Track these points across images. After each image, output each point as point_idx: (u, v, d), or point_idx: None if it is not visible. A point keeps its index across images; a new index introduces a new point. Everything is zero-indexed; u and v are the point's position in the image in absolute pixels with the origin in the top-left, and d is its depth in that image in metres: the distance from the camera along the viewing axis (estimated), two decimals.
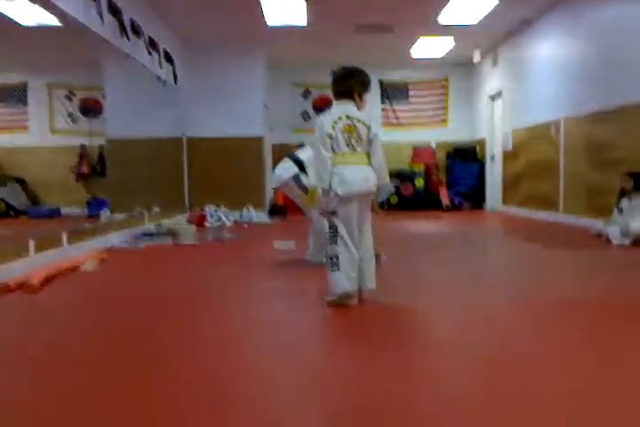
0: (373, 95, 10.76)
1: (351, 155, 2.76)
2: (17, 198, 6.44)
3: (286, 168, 4.03)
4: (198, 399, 1.62)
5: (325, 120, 2.78)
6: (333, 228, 2.76)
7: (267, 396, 1.65)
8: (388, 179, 2.92)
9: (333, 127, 2.75)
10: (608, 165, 5.97)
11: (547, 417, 1.47)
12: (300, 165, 3.94)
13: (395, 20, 7.73)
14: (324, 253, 3.62)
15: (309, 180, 3.81)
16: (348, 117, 2.78)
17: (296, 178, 3.94)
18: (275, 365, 1.92)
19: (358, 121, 2.79)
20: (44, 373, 1.90)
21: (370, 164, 2.80)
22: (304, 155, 4.01)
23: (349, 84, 2.86)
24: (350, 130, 2.76)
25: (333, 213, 2.76)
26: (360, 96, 2.88)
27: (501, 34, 8.66)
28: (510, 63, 8.88)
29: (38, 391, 1.72)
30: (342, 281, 2.73)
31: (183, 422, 1.49)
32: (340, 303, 2.75)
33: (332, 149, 2.75)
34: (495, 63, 9.50)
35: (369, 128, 2.80)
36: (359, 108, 2.87)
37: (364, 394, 1.64)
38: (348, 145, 2.76)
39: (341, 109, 2.84)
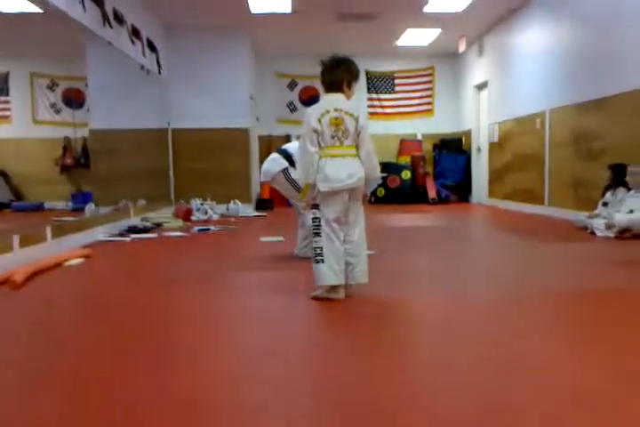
0: (359, 86, 10.72)
1: (336, 147, 2.75)
2: (0, 192, 6.35)
3: (275, 162, 4.00)
4: (178, 397, 1.60)
5: (312, 114, 2.76)
6: (317, 220, 2.76)
7: (253, 389, 1.64)
8: (377, 171, 2.92)
9: (319, 121, 2.73)
10: (593, 157, 6.00)
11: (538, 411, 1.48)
12: (289, 158, 3.91)
13: (380, 8, 7.70)
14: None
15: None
16: (335, 110, 2.75)
17: (285, 172, 3.92)
18: (260, 359, 1.91)
19: (346, 113, 2.76)
20: (23, 369, 1.87)
21: (358, 156, 2.78)
22: (293, 148, 3.98)
23: (339, 74, 2.83)
24: (337, 122, 2.74)
25: (316, 206, 2.77)
26: (349, 86, 2.87)
27: (487, 23, 8.66)
28: (496, 53, 8.88)
29: (21, 387, 1.69)
30: (327, 273, 2.72)
31: (172, 417, 1.47)
32: (326, 297, 2.75)
33: (319, 143, 2.74)
34: (481, 53, 9.50)
35: (357, 120, 2.77)
36: (348, 97, 2.86)
37: (353, 388, 1.63)
38: (333, 137, 2.74)
39: (329, 102, 2.81)
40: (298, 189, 3.70)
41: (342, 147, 2.76)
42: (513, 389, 1.66)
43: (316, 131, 2.72)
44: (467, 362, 1.90)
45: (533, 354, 1.96)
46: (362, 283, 2.82)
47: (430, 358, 1.98)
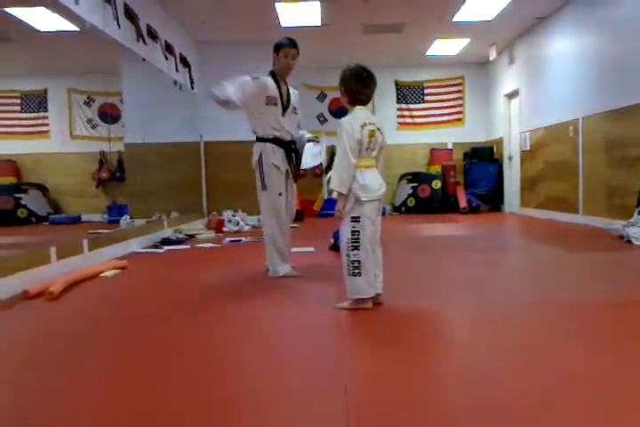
0: (389, 96, 10.75)
1: (368, 159, 2.81)
2: (38, 205, 6.52)
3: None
4: (210, 402, 1.63)
5: (354, 125, 2.76)
6: (356, 233, 2.76)
7: (279, 398, 1.66)
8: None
9: (361, 132, 2.76)
10: (628, 164, 5.90)
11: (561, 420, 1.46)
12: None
13: (409, 19, 7.72)
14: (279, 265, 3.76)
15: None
16: (370, 124, 2.80)
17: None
18: (289, 367, 1.93)
19: (377, 127, 2.82)
20: (58, 379, 1.92)
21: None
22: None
23: (373, 88, 2.86)
24: (372, 135, 2.79)
25: (356, 218, 2.77)
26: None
27: (517, 31, 8.61)
28: (527, 61, 8.81)
29: (55, 398, 1.74)
30: (364, 286, 2.75)
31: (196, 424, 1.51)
32: (354, 308, 2.77)
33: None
34: (511, 61, 9.43)
35: (383, 134, 2.85)
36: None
37: (381, 395, 1.64)
38: (367, 150, 2.79)
39: (364, 115, 2.85)
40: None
41: (370, 158, 2.82)
42: (539, 400, 1.64)
43: (359, 142, 2.75)
44: (490, 370, 1.89)
45: (563, 366, 1.94)
46: (380, 293, 2.85)
47: (457, 368, 1.97)
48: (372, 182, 2.77)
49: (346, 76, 2.86)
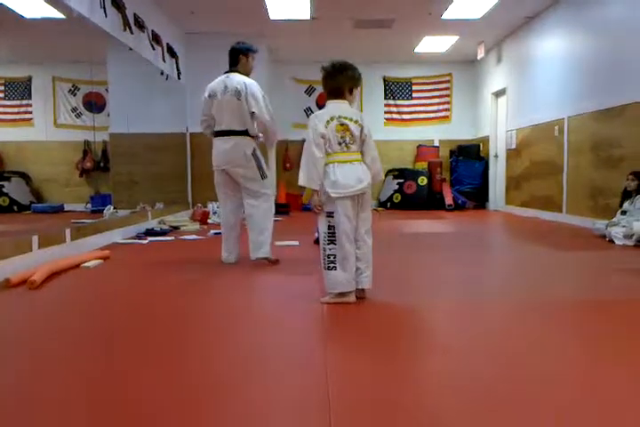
0: (377, 92, 10.76)
1: (343, 153, 2.78)
2: (20, 193, 6.45)
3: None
4: (186, 399, 1.62)
5: (318, 120, 2.78)
6: (332, 228, 2.77)
7: (263, 395, 1.65)
8: (382, 175, 3.00)
9: (326, 127, 2.76)
10: (613, 164, 5.95)
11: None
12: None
13: (398, 15, 7.71)
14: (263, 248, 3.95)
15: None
16: (340, 117, 2.78)
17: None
18: (271, 362, 1.92)
19: (351, 120, 2.79)
20: (40, 368, 1.90)
21: (363, 161, 2.82)
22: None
23: (340, 80, 2.84)
24: (344, 129, 2.77)
25: (330, 213, 2.78)
26: (351, 92, 2.88)
27: (506, 30, 8.64)
28: (514, 60, 8.85)
29: (36, 386, 1.72)
30: (339, 280, 2.76)
31: (181, 420, 1.49)
32: (337, 302, 2.77)
33: (325, 150, 2.76)
34: (499, 60, 9.47)
35: (361, 126, 2.81)
36: (350, 103, 2.87)
37: (364, 393, 1.63)
38: (340, 144, 2.77)
39: (334, 109, 2.83)
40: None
41: (349, 152, 2.79)
42: (526, 399, 1.65)
43: (323, 136, 2.74)
44: (483, 376, 1.90)
45: (548, 366, 1.95)
46: (367, 288, 2.85)
47: (440, 366, 1.97)
48: (345, 178, 2.74)
49: (322, 74, 2.90)
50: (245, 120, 3.94)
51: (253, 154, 3.99)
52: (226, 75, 4.05)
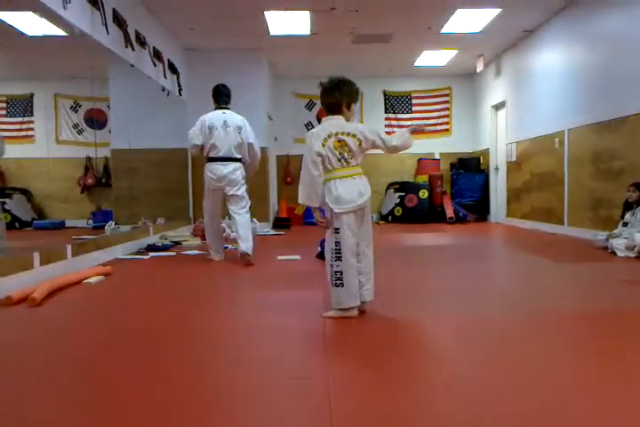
0: (377, 106, 10.81)
1: (343, 168, 2.79)
2: (22, 210, 6.45)
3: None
4: (189, 414, 1.61)
5: (314, 138, 2.78)
6: (338, 245, 2.77)
7: (263, 409, 1.64)
8: (410, 144, 3.06)
9: (323, 145, 2.76)
10: (613, 176, 5.96)
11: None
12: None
13: (398, 29, 7.77)
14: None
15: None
16: (337, 133, 2.79)
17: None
18: (272, 376, 1.91)
19: (348, 135, 2.80)
20: (41, 384, 1.88)
21: (363, 173, 2.84)
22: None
23: (337, 96, 2.85)
24: (342, 145, 2.78)
25: (337, 230, 2.78)
26: (348, 108, 2.88)
27: (505, 43, 8.70)
28: (513, 73, 8.90)
29: (38, 401, 1.71)
30: (347, 297, 2.76)
31: None
32: (340, 316, 2.77)
33: (325, 167, 2.77)
34: (498, 73, 9.53)
35: (359, 139, 2.81)
36: (347, 119, 2.87)
37: (366, 406, 1.62)
38: (340, 160, 2.78)
39: (330, 125, 2.83)
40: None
41: (349, 167, 2.80)
42: (529, 413, 1.64)
43: (320, 155, 2.75)
44: (475, 381, 1.88)
45: (549, 377, 1.94)
46: (368, 301, 2.86)
47: (443, 378, 1.96)
48: (347, 193, 2.75)
49: (319, 90, 2.92)
50: (242, 149, 4.91)
51: (244, 176, 4.98)
52: (222, 111, 4.95)
